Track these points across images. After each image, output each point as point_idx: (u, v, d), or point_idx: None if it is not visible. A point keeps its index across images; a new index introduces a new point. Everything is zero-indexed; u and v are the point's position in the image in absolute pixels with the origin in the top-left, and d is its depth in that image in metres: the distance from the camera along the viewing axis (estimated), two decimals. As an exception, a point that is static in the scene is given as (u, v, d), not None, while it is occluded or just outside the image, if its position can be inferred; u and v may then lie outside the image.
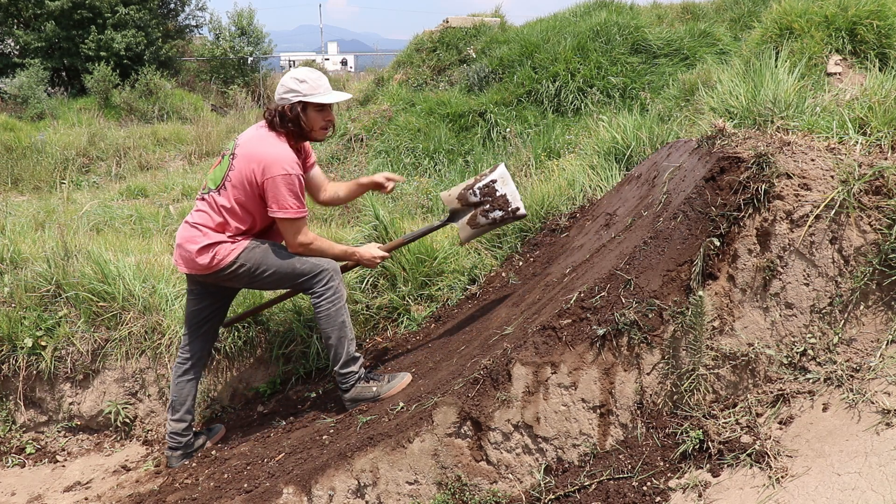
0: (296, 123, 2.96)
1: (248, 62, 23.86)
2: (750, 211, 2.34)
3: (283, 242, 3.09)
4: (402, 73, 11.70)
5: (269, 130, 3.00)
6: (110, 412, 3.79)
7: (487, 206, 3.26)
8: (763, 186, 2.32)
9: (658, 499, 2.17)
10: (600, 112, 6.85)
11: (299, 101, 2.95)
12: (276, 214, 2.94)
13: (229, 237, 2.99)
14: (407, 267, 3.96)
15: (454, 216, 3.35)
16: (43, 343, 3.82)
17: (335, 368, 3.11)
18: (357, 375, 3.09)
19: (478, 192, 3.26)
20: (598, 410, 2.38)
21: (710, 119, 3.29)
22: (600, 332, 2.37)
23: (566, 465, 2.38)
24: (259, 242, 3.04)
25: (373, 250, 3.29)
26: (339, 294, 3.09)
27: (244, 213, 2.99)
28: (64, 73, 19.83)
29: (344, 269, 3.47)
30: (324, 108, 3.00)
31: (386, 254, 3.33)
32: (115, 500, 3.13)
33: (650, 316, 2.36)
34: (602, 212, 3.54)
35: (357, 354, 3.13)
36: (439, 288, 3.97)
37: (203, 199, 3.06)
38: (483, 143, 8.80)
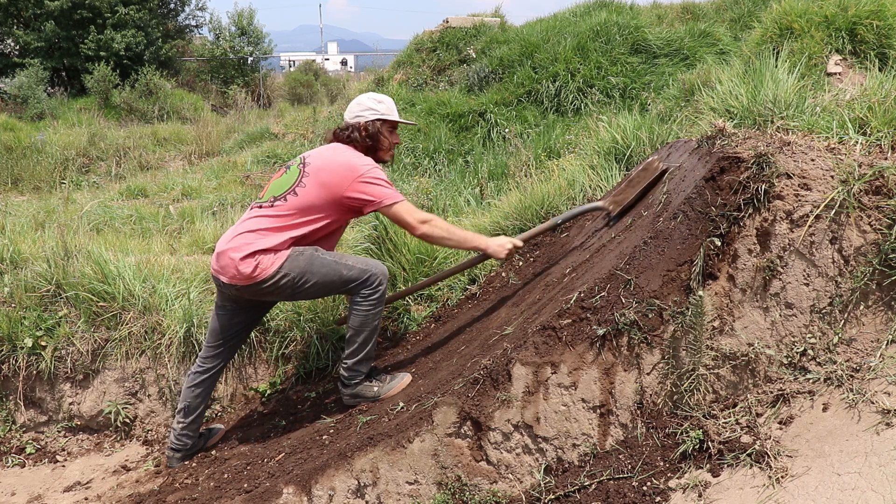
0: (374, 139, 3.07)
1: (248, 62, 23.88)
2: (750, 211, 2.34)
3: (407, 232, 3.05)
4: (402, 73, 11.70)
5: (339, 144, 3.09)
6: (110, 412, 3.79)
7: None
8: (763, 186, 2.32)
9: (658, 499, 2.17)
10: (600, 112, 6.85)
11: (378, 119, 3.08)
12: (382, 205, 2.93)
13: (272, 248, 2.87)
14: (407, 267, 3.96)
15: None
16: (43, 343, 3.82)
17: (348, 362, 3.05)
18: (363, 375, 3.09)
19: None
20: (598, 410, 2.38)
21: (710, 119, 3.30)
22: (600, 332, 2.37)
23: (566, 465, 2.38)
24: (302, 250, 2.93)
25: (503, 241, 3.12)
26: (383, 298, 3.04)
27: (305, 222, 2.91)
28: (64, 73, 19.85)
29: (470, 265, 3.38)
30: (394, 129, 3.18)
31: (520, 243, 3.19)
32: (115, 500, 3.13)
33: (650, 316, 2.36)
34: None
35: (373, 355, 3.12)
36: (439, 288, 3.97)
37: (258, 208, 2.98)
38: (483, 143, 8.80)
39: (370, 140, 3.08)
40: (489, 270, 4.00)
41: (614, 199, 3.23)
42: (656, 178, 3.07)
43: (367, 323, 3.00)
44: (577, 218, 3.49)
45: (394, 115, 3.14)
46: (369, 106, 3.10)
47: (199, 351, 3.44)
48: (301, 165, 3.02)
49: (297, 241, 2.94)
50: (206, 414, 3.80)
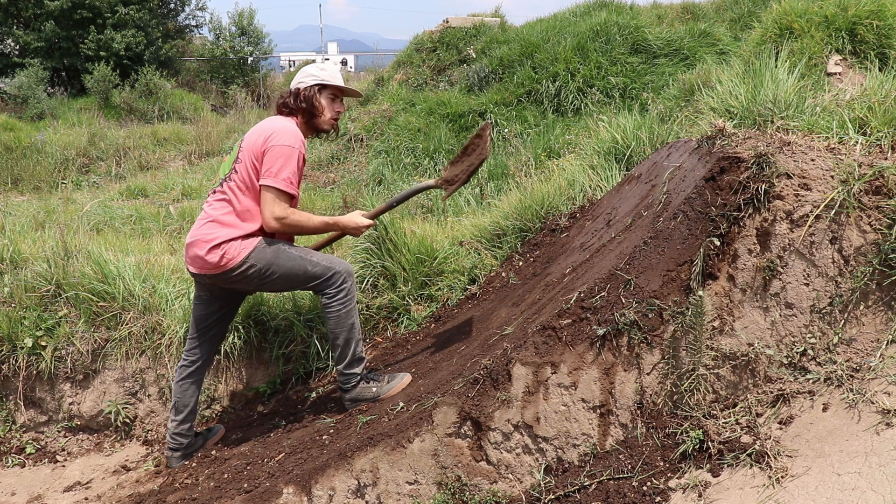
0: (308, 103, 3.04)
1: (248, 62, 23.86)
2: (750, 211, 2.34)
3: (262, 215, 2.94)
4: (402, 73, 11.70)
5: (279, 115, 3.08)
6: (110, 412, 3.79)
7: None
8: (763, 186, 2.32)
9: (658, 499, 2.17)
10: (600, 112, 6.85)
11: (316, 84, 3.07)
12: (265, 181, 2.86)
13: (239, 236, 2.92)
14: (407, 267, 3.96)
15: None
16: (43, 343, 3.82)
17: (339, 368, 3.09)
18: (359, 377, 3.08)
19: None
20: (598, 410, 2.38)
21: (710, 119, 3.29)
22: (600, 332, 2.37)
23: (566, 465, 2.38)
24: (269, 241, 2.97)
25: (356, 218, 3.14)
26: (351, 296, 3.04)
27: (251, 198, 2.93)
28: (64, 73, 19.83)
29: (329, 242, 3.41)
30: (336, 98, 3.14)
31: (371, 221, 3.20)
32: (115, 500, 3.13)
33: (650, 316, 2.36)
34: (602, 212, 3.54)
35: (362, 355, 3.12)
36: (439, 288, 3.97)
37: (212, 194, 3.03)
38: (483, 143, 8.78)
39: (305, 104, 3.04)
40: (489, 270, 4.00)
41: (447, 177, 3.23)
42: (483, 143, 3.10)
43: (342, 323, 3.02)
44: (406, 199, 3.45)
45: (334, 81, 3.10)
46: (311, 72, 3.11)
47: None
48: (240, 142, 3.05)
49: (257, 223, 2.92)
50: (206, 414, 3.80)
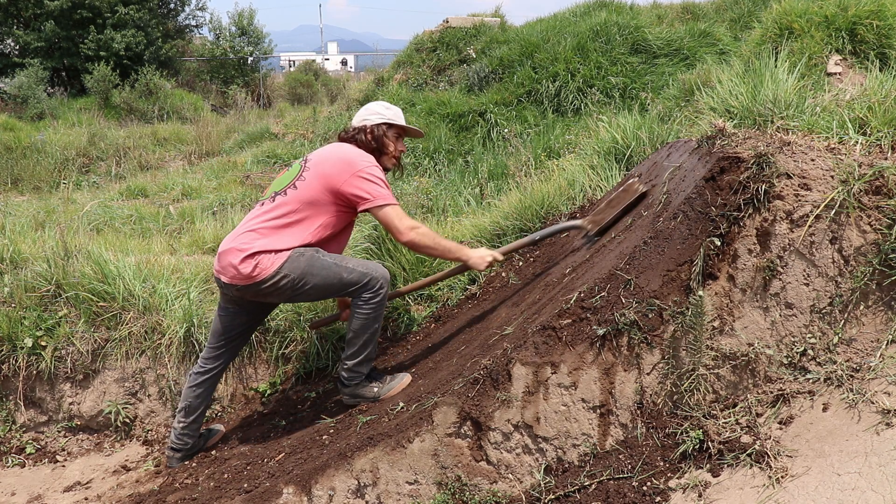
0: (378, 142, 3.11)
1: (248, 62, 23.87)
2: (750, 211, 2.34)
3: (392, 236, 3.03)
4: (402, 73, 11.71)
5: (344, 143, 3.12)
6: (110, 412, 3.79)
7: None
8: (763, 186, 2.32)
9: (658, 499, 2.17)
10: (600, 112, 6.85)
11: (384, 123, 3.13)
12: (373, 204, 2.92)
13: (274, 249, 2.85)
14: (407, 267, 3.96)
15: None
16: (43, 343, 3.82)
17: (348, 363, 3.05)
18: (364, 375, 3.09)
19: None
20: (598, 410, 2.38)
21: (710, 119, 3.29)
22: (600, 332, 2.37)
23: (566, 465, 2.38)
24: (303, 251, 2.89)
25: (484, 253, 3.14)
26: (384, 302, 3.03)
27: (306, 217, 2.91)
28: (64, 73, 19.85)
29: (451, 274, 3.40)
30: (399, 137, 3.22)
31: (500, 256, 3.20)
32: (115, 500, 3.13)
33: (650, 316, 2.36)
34: (602, 212, 3.54)
35: (373, 357, 3.11)
36: (439, 288, 3.97)
37: (260, 206, 2.98)
38: (483, 143, 8.80)
39: (375, 143, 3.11)
40: (489, 270, 4.00)
41: (593, 218, 3.26)
42: (636, 199, 3.10)
43: (368, 326, 2.99)
44: (558, 235, 3.53)
45: (399, 121, 3.19)
46: (376, 111, 3.17)
47: (200, 351, 3.43)
48: (303, 161, 3.06)
49: (298, 239, 2.91)
50: (207, 414, 3.80)
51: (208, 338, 3.25)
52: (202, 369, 3.20)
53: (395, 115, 3.20)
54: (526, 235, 4.10)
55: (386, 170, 3.17)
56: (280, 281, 2.85)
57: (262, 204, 2.99)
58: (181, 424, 3.22)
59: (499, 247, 3.50)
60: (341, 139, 3.16)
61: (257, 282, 2.85)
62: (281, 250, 2.87)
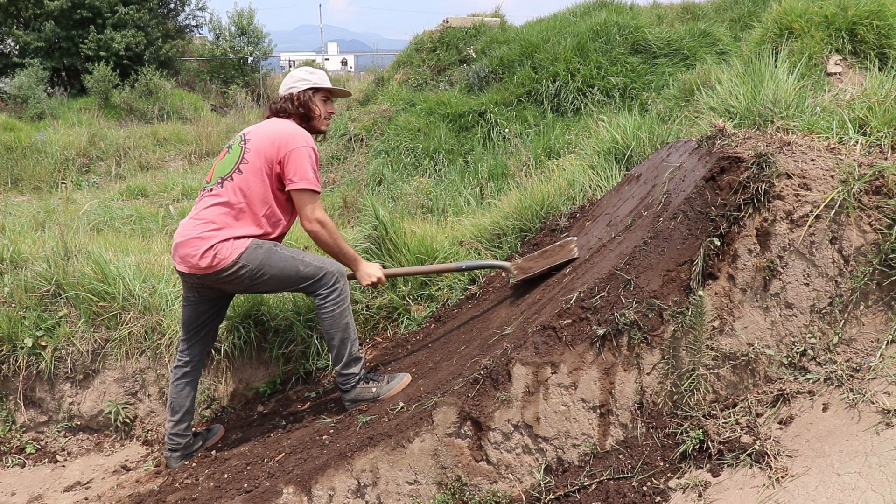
0: (305, 107, 3.13)
1: (248, 62, 23.85)
2: (750, 211, 2.34)
3: (300, 218, 3.03)
4: (402, 73, 11.71)
5: (277, 118, 3.14)
6: (110, 412, 3.79)
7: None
8: (763, 186, 2.32)
9: (658, 499, 2.17)
10: (600, 112, 6.85)
11: (309, 88, 3.15)
12: (297, 185, 2.94)
13: (232, 237, 2.92)
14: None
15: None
16: (43, 343, 3.82)
17: (337, 368, 3.09)
18: (357, 377, 3.08)
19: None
20: (598, 410, 2.38)
21: (710, 119, 3.29)
22: (600, 332, 2.37)
23: (566, 465, 2.38)
24: (261, 243, 2.98)
25: (374, 269, 3.21)
26: (344, 296, 3.06)
27: (254, 203, 2.95)
28: (64, 73, 19.83)
29: (437, 271, 3.52)
30: (327, 100, 3.24)
31: (383, 278, 3.24)
32: (115, 500, 3.13)
33: (650, 316, 2.36)
34: (602, 212, 3.54)
35: (359, 355, 3.12)
36: (439, 288, 3.97)
37: (208, 193, 3.01)
38: (483, 143, 8.80)
39: (302, 108, 3.14)
40: (489, 270, 4.00)
41: (522, 264, 3.32)
42: (567, 261, 3.16)
43: (336, 324, 3.03)
44: (471, 271, 3.65)
45: (325, 84, 3.20)
46: (301, 77, 3.18)
47: None
48: (242, 143, 3.06)
49: (252, 224, 2.97)
50: (206, 414, 3.80)
51: (180, 330, 3.31)
52: (179, 363, 3.26)
53: (321, 78, 3.20)
54: (526, 235, 4.10)
55: (319, 132, 3.22)
56: (239, 270, 2.92)
57: (211, 190, 3.02)
58: (170, 424, 3.24)
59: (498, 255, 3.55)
60: (272, 111, 3.19)
61: (216, 271, 2.92)
62: (239, 237, 2.93)
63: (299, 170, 2.94)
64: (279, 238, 3.12)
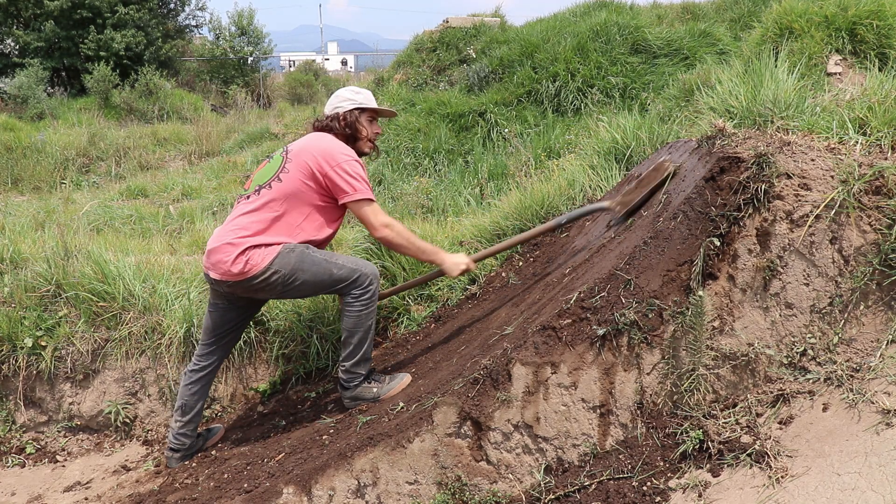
0: (352, 128, 3.11)
1: (248, 62, 23.86)
2: (750, 211, 2.34)
3: (367, 230, 3.04)
4: (402, 73, 11.70)
5: (321, 132, 3.11)
6: (110, 412, 3.79)
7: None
8: (763, 186, 2.32)
9: (658, 499, 2.17)
10: (600, 112, 6.85)
11: (355, 108, 3.13)
12: (352, 198, 2.93)
13: (264, 244, 2.86)
14: (407, 267, 3.96)
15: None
16: (43, 343, 3.82)
17: (346, 364, 3.05)
18: (363, 376, 3.08)
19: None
20: (598, 410, 2.38)
21: (710, 119, 3.29)
22: (600, 332, 2.37)
23: (566, 465, 2.38)
24: (293, 246, 2.91)
25: (459, 259, 3.15)
26: (375, 298, 3.03)
27: (291, 211, 2.92)
28: (64, 73, 19.84)
29: (427, 280, 3.43)
30: (374, 119, 3.21)
31: (472, 265, 3.19)
32: (115, 500, 3.13)
33: (650, 316, 2.36)
34: (602, 212, 3.54)
35: (370, 356, 3.11)
36: (439, 288, 3.97)
37: (245, 200, 2.98)
38: (483, 143, 8.79)
39: (349, 129, 3.11)
40: (489, 270, 4.00)
41: (622, 199, 3.17)
42: (666, 177, 3.01)
43: (361, 324, 3.00)
44: (572, 222, 3.46)
45: (371, 104, 3.17)
46: (347, 97, 3.16)
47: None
48: (284, 153, 3.05)
49: (287, 232, 2.93)
50: (206, 414, 3.81)
51: (201, 335, 3.26)
52: (197, 366, 3.21)
53: (366, 98, 3.18)
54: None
55: (363, 154, 3.18)
56: (271, 277, 2.86)
57: (248, 198, 2.99)
58: (178, 424, 3.22)
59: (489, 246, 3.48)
60: (316, 128, 3.15)
61: (248, 278, 2.86)
62: (271, 244, 2.88)
63: (350, 182, 2.93)
64: (321, 244, 3.07)
